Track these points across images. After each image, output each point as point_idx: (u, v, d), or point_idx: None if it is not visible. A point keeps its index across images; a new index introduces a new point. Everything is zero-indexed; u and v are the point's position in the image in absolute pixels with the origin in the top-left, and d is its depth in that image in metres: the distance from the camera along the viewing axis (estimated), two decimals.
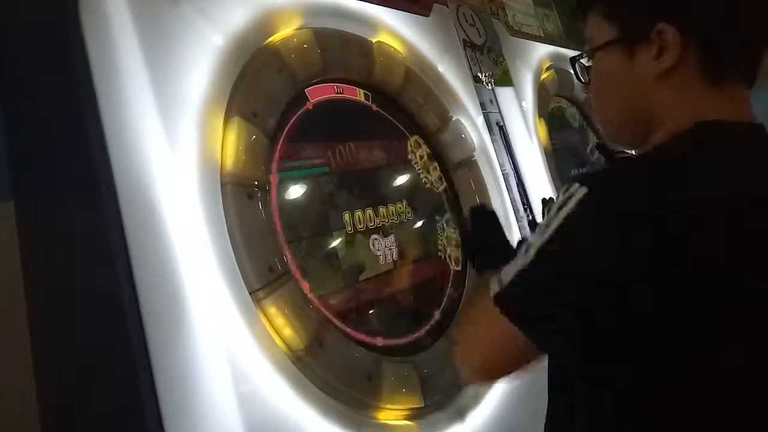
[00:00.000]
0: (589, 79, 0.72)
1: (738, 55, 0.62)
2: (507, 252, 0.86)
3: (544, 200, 1.55)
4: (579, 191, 0.54)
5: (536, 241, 0.56)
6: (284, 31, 1.04)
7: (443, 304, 1.20)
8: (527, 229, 1.49)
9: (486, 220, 0.96)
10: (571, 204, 0.54)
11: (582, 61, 0.74)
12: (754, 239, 0.52)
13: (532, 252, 0.56)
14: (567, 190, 0.55)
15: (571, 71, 0.79)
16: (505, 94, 1.63)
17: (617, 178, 0.57)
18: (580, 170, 1.96)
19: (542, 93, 1.82)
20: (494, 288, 0.59)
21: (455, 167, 1.34)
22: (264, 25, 1.01)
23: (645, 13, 0.63)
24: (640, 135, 0.67)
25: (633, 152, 0.71)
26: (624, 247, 0.50)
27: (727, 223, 0.51)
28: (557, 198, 0.57)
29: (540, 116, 1.77)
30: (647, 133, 0.66)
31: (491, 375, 0.71)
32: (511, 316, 0.57)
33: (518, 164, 1.54)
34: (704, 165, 0.55)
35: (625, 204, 0.52)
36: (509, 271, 0.58)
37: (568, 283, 0.54)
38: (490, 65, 1.62)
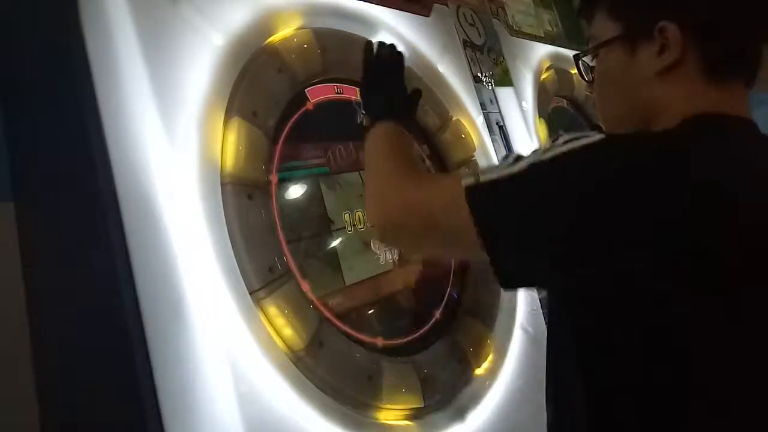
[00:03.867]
0: (593, 78, 0.73)
1: (738, 54, 0.63)
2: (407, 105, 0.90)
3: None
4: (593, 136, 0.53)
5: (530, 157, 0.56)
6: (284, 31, 1.04)
7: (443, 304, 1.20)
8: None
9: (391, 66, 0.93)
10: (584, 141, 0.53)
11: (586, 59, 0.75)
12: (749, 233, 0.51)
13: (524, 164, 0.55)
14: (574, 136, 0.55)
15: (573, 70, 0.80)
16: (505, 94, 1.63)
17: (634, 138, 0.57)
18: None
19: (542, 93, 1.82)
20: (468, 179, 0.58)
21: (455, 167, 1.34)
22: (264, 25, 1.00)
23: (647, 10, 0.64)
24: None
25: None
26: (635, 200, 0.49)
27: (727, 213, 0.51)
28: (556, 140, 0.56)
29: (540, 116, 1.77)
30: (647, 128, 0.66)
31: (414, 242, 0.72)
32: (478, 213, 0.56)
33: None
34: (710, 148, 0.56)
35: (643, 159, 0.52)
36: (490, 170, 0.58)
37: (556, 208, 0.52)
38: (490, 65, 1.62)
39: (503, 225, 0.56)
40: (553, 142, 0.56)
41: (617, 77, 0.69)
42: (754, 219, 0.52)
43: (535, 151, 0.57)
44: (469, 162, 1.35)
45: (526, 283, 0.62)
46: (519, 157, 0.57)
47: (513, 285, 0.62)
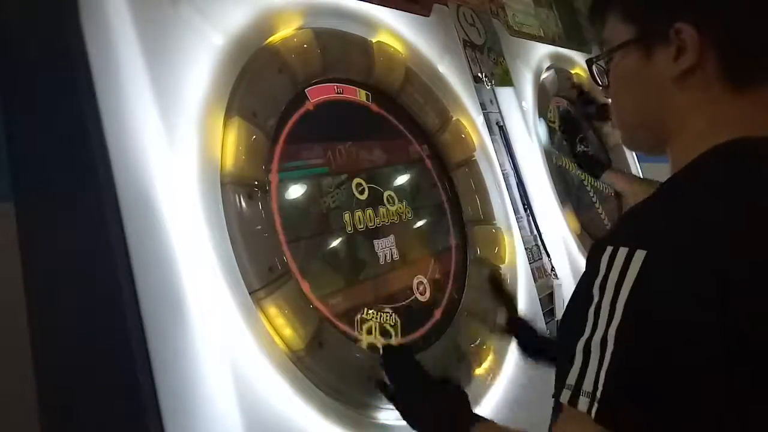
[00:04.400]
0: (609, 83, 0.70)
1: (760, 56, 0.59)
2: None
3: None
4: (636, 255, 0.48)
5: (598, 330, 0.49)
6: (284, 31, 1.04)
7: (443, 304, 1.20)
8: (526, 229, 1.49)
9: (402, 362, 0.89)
10: (633, 272, 0.48)
11: (600, 63, 0.72)
12: None
13: (610, 343, 0.48)
14: (611, 257, 0.49)
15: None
16: (505, 94, 1.63)
17: (675, 229, 0.50)
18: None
19: (542, 93, 1.82)
20: (582, 404, 0.49)
21: (455, 167, 1.34)
22: (264, 25, 1.00)
23: (663, 12, 0.61)
24: (658, 140, 0.65)
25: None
26: (710, 297, 0.46)
27: None
28: (595, 267, 0.51)
29: (540, 116, 1.77)
30: (665, 139, 0.64)
31: None
32: (620, 422, 0.48)
33: (518, 164, 1.54)
34: (748, 196, 0.51)
35: (697, 253, 0.47)
36: (581, 375, 0.50)
37: (667, 358, 0.47)
38: (490, 65, 1.62)
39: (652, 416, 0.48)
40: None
41: (632, 83, 0.66)
42: None
43: (590, 319, 0.50)
44: (470, 162, 1.35)
45: None
46: (588, 341, 0.50)
47: None
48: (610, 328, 0.49)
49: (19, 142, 0.91)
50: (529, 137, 1.65)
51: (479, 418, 0.80)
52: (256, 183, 0.89)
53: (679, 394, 0.48)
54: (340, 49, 1.12)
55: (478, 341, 1.16)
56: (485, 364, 1.17)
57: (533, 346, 1.08)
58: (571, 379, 0.51)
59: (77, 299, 0.82)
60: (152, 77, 0.80)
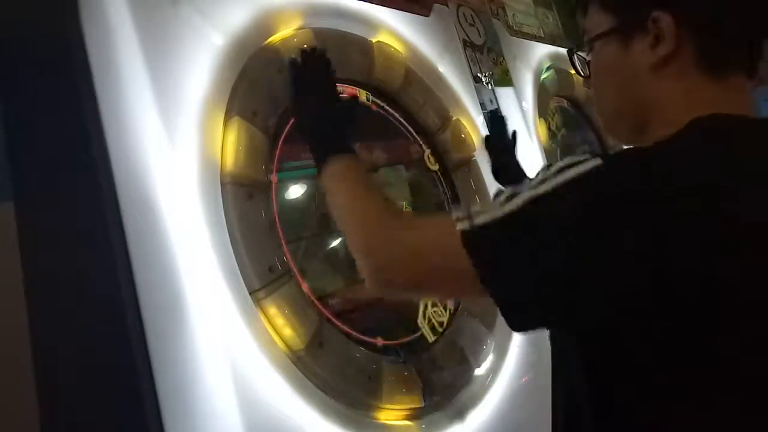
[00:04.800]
0: (590, 73, 0.71)
1: (737, 46, 0.60)
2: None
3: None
4: (592, 161, 0.51)
5: (525, 193, 0.53)
6: (284, 31, 1.04)
7: (443, 304, 1.19)
8: None
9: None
10: (581, 168, 0.51)
11: (581, 53, 0.74)
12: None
13: (519, 201, 0.53)
14: (570, 162, 0.52)
15: (573, 69, 0.79)
16: (505, 94, 1.63)
17: (635, 156, 0.54)
18: None
19: (542, 93, 1.82)
20: (463, 224, 0.55)
21: (455, 167, 1.34)
22: (264, 25, 1.00)
23: (640, 1, 0.62)
24: (637, 128, 0.66)
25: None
26: (641, 223, 0.48)
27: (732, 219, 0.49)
28: (548, 168, 0.54)
29: (540, 116, 1.77)
30: (643, 126, 0.65)
31: (413, 291, 0.71)
32: (477, 259, 0.54)
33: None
34: (714, 155, 0.53)
35: (646, 180, 0.49)
36: (484, 211, 0.55)
37: (562, 241, 0.50)
38: (490, 65, 1.62)
39: (507, 269, 0.54)
40: (545, 170, 0.54)
41: (612, 72, 0.67)
42: (759, 219, 0.50)
43: (529, 184, 0.54)
44: (470, 162, 1.35)
45: (537, 325, 0.58)
46: (513, 195, 0.54)
47: (523, 328, 0.58)
48: (527, 192, 0.53)
49: (19, 142, 0.91)
50: (529, 137, 1.65)
51: (348, 150, 0.81)
52: (256, 183, 0.89)
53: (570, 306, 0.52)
54: (340, 49, 1.12)
55: (478, 341, 1.16)
56: (485, 364, 1.17)
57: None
58: (473, 210, 0.56)
59: (77, 299, 0.82)
60: (152, 77, 0.80)
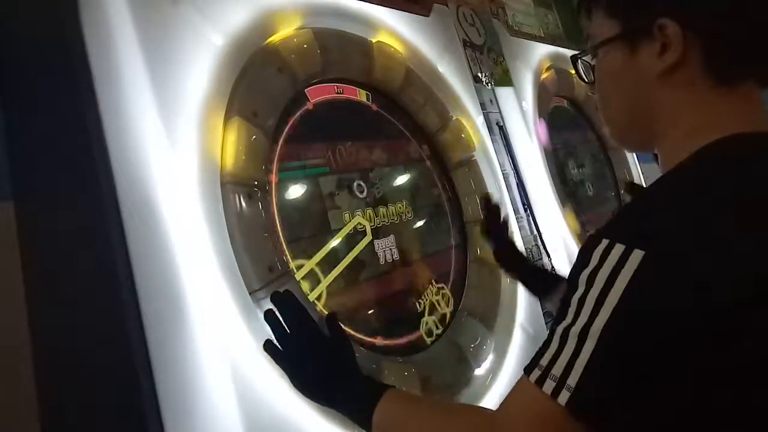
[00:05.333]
0: (595, 79, 0.70)
1: (747, 52, 0.59)
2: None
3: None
4: (633, 255, 0.48)
5: (585, 320, 0.50)
6: (284, 31, 1.04)
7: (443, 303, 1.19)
8: (526, 229, 1.49)
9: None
10: (628, 272, 0.48)
11: (586, 59, 0.72)
12: None
13: (592, 337, 0.50)
14: (606, 251, 0.50)
15: (573, 71, 0.78)
16: (505, 94, 1.63)
17: (673, 233, 0.50)
18: (580, 170, 1.96)
19: (542, 93, 1.82)
20: (548, 387, 0.52)
21: (455, 167, 1.34)
22: (264, 25, 1.00)
23: (646, 7, 0.61)
24: (646, 138, 0.65)
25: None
26: (702, 306, 0.47)
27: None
28: (586, 257, 0.52)
29: (540, 116, 1.77)
30: (652, 137, 0.64)
31: None
32: (590, 414, 0.51)
33: (518, 164, 1.54)
34: (747, 196, 0.51)
35: (694, 262, 0.48)
36: (567, 367, 0.51)
37: (646, 359, 0.48)
38: (490, 65, 1.62)
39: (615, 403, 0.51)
40: (579, 273, 0.52)
41: (617, 79, 0.65)
42: None
43: (577, 306, 0.51)
44: (470, 162, 1.35)
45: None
46: (568, 328, 0.51)
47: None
48: (595, 321, 0.50)
49: (19, 142, 0.91)
50: (529, 137, 1.65)
51: (381, 392, 0.72)
52: (256, 183, 0.89)
53: (659, 399, 0.49)
54: (340, 49, 1.12)
55: (478, 341, 1.16)
56: (485, 364, 1.17)
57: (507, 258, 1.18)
58: (544, 360, 0.54)
59: (77, 299, 0.82)
60: (152, 77, 0.80)
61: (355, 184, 1.11)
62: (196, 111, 0.85)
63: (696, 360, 0.48)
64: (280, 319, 0.78)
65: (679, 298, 0.48)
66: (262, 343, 0.78)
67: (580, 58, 0.73)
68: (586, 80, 0.74)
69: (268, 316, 0.78)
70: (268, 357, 0.78)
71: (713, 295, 0.47)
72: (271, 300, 0.79)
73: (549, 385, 0.52)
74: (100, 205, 0.73)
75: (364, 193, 1.13)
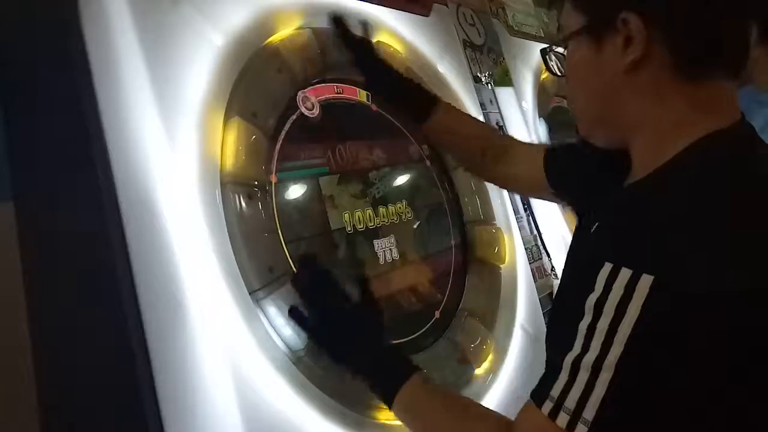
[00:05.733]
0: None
1: (710, 45, 0.57)
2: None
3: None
4: (641, 281, 0.47)
5: (597, 352, 0.49)
6: (284, 31, 1.04)
7: (443, 304, 1.19)
8: (526, 229, 1.49)
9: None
10: (639, 300, 0.47)
11: (558, 50, 0.70)
12: None
13: (607, 370, 0.49)
14: (611, 277, 0.49)
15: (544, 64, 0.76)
16: (505, 94, 1.63)
17: (682, 255, 0.48)
18: None
19: (542, 93, 1.82)
20: (562, 420, 0.51)
21: (455, 167, 1.34)
22: (264, 25, 1.00)
23: (608, 0, 0.59)
24: (615, 134, 0.64)
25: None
26: (720, 329, 0.47)
27: None
28: (588, 280, 0.51)
29: (540, 116, 1.77)
30: (622, 136, 0.63)
31: None
32: None
33: None
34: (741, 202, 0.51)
35: (707, 283, 0.47)
36: (581, 400, 0.50)
37: (666, 391, 0.48)
38: (490, 65, 1.62)
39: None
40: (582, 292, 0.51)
41: (584, 74, 0.64)
42: None
43: (586, 336, 0.50)
44: None
45: None
46: (578, 359, 0.50)
47: None
48: (608, 354, 0.49)
49: (19, 142, 0.91)
50: (529, 137, 1.65)
51: (410, 372, 0.73)
52: (256, 183, 0.89)
53: (678, 425, 0.49)
54: (340, 50, 1.12)
55: (478, 341, 1.16)
56: (485, 364, 1.17)
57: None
58: (555, 391, 0.52)
59: (77, 299, 0.82)
60: (152, 77, 0.79)
61: (354, 184, 1.11)
62: (196, 111, 0.85)
63: (718, 384, 0.47)
64: (306, 284, 0.78)
65: (695, 323, 0.47)
66: (287, 310, 0.79)
67: (549, 51, 0.72)
68: (558, 74, 0.72)
69: (296, 280, 0.79)
70: (294, 324, 0.79)
71: (730, 318, 0.46)
72: (299, 262, 0.81)
73: (563, 419, 0.51)
74: (100, 205, 0.73)
75: (364, 193, 1.13)
